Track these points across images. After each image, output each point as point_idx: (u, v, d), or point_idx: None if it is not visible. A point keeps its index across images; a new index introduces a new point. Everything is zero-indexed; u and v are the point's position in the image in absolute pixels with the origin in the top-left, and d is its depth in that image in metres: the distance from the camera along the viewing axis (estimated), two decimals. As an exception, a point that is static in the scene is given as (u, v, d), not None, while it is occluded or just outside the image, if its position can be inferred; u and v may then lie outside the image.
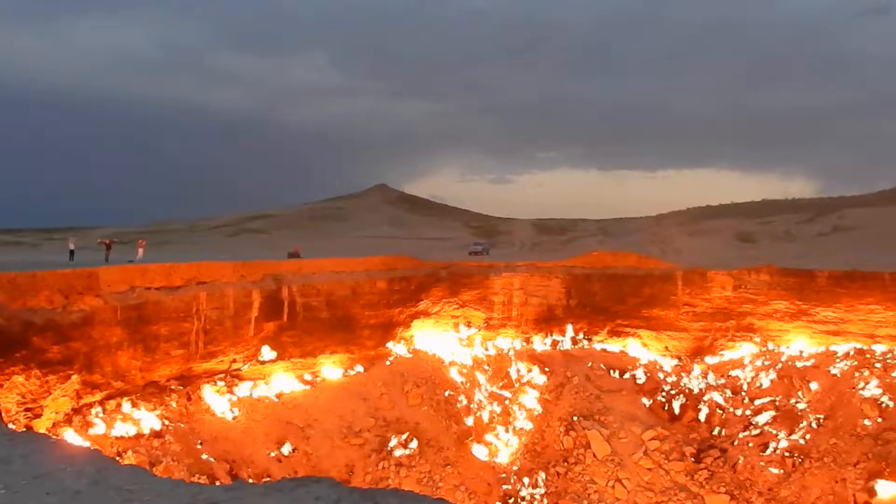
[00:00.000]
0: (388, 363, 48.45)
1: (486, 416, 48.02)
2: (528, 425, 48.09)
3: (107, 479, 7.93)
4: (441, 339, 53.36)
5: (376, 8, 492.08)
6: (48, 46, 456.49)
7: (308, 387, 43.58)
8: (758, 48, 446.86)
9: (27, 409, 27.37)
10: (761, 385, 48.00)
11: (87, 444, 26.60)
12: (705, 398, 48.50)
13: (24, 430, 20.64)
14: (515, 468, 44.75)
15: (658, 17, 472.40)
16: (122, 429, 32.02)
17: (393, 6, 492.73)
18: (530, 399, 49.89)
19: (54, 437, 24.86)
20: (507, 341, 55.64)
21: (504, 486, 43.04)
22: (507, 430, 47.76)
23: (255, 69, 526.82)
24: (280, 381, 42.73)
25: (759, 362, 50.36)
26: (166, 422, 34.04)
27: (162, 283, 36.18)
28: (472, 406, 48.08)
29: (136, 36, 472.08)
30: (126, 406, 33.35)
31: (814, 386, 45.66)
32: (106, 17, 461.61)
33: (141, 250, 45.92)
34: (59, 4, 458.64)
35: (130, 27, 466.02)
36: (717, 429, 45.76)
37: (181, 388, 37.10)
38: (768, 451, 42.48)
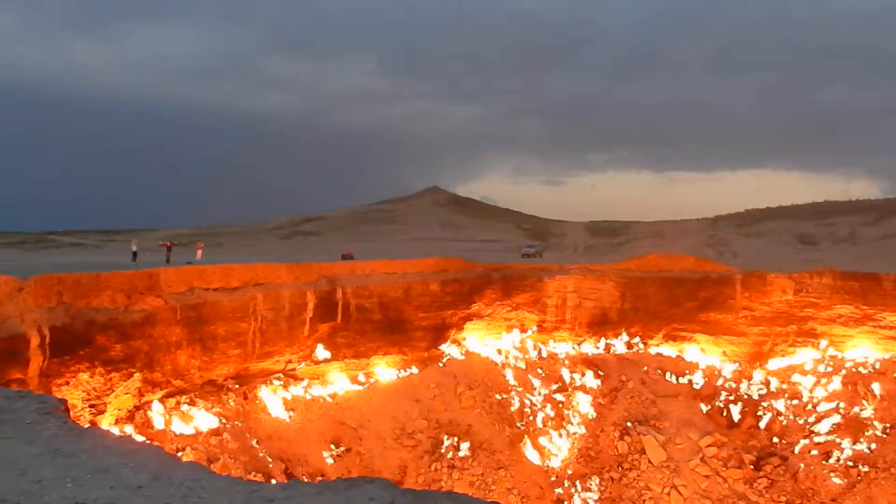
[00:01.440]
0: (440, 365, 48.50)
1: (539, 420, 47.67)
2: (582, 430, 47.58)
3: (167, 474, 8.10)
4: (494, 341, 53.17)
5: (425, 11, 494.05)
6: (104, 55, 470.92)
7: (361, 387, 43.88)
8: (814, 45, 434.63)
9: (91, 406, 28.18)
10: (824, 392, 46.61)
11: (147, 440, 27.24)
12: (765, 404, 47.32)
13: (89, 425, 21.22)
14: (569, 472, 44.33)
15: (708, 15, 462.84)
16: (181, 426, 32.71)
17: (441, 9, 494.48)
18: (584, 403, 49.38)
19: (117, 432, 25.57)
20: (561, 344, 55.16)
21: (557, 490, 42.68)
22: (560, 434, 47.34)
23: (305, 74, 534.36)
24: (334, 381, 43.12)
25: (821, 368, 48.88)
26: (223, 420, 34.66)
27: (219, 284, 36.85)
28: (524, 409, 47.78)
29: (189, 43, 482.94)
30: (185, 404, 34.07)
31: (879, 392, 44.15)
32: (160, 24, 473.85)
33: (199, 252, 46.92)
34: (114, 14, 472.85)
35: (183, 34, 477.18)
36: (778, 436, 44.58)
37: (238, 387, 37.72)
38: (831, 460, 41.22)
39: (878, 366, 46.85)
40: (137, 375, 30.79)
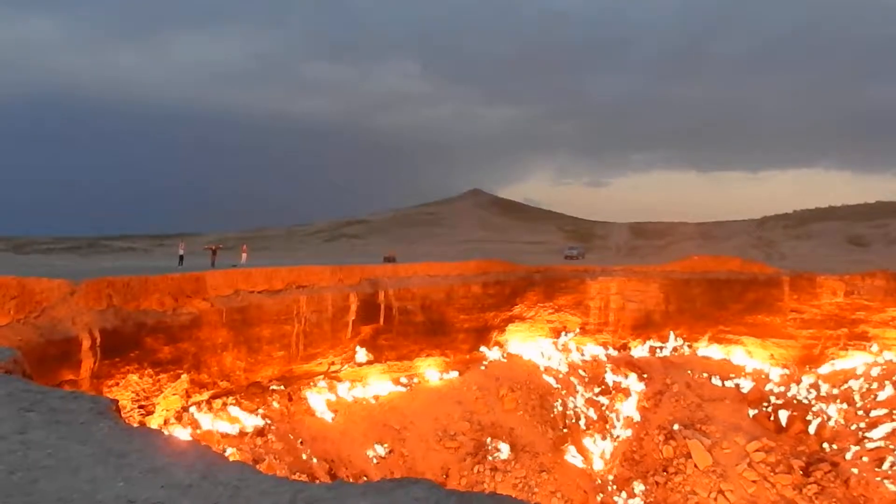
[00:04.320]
0: (482, 367, 48.47)
1: (582, 423, 47.35)
2: (626, 433, 47.11)
3: (215, 474, 8.29)
4: (536, 343, 52.96)
5: (465, 13, 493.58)
6: (148, 62, 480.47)
7: (404, 389, 44.08)
8: (864, 40, 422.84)
9: (140, 406, 28.79)
10: (877, 397, 45.40)
11: (194, 441, 27.71)
12: (815, 409, 46.29)
13: (139, 426, 21.77)
14: (612, 476, 43.92)
15: (752, 11, 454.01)
16: (227, 427, 33.23)
17: (480, 10, 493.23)
18: (628, 406, 48.88)
19: (166, 432, 26.06)
20: (604, 347, 54.72)
21: (600, 495, 42.29)
22: (603, 438, 46.93)
23: (347, 78, 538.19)
24: (377, 383, 43.38)
25: (874, 372, 47.65)
26: (268, 421, 35.11)
27: (264, 286, 37.37)
28: (567, 412, 47.49)
29: (232, 49, 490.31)
30: (231, 405, 34.61)
31: (936, 398, 42.90)
32: (201, 31, 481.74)
33: (245, 255, 47.58)
34: (159, 22, 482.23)
35: (226, 41, 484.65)
36: (828, 442, 43.55)
37: (282, 388, 38.19)
38: (884, 467, 40.13)
39: (933, 370, 45.53)
40: (185, 377, 31.38)
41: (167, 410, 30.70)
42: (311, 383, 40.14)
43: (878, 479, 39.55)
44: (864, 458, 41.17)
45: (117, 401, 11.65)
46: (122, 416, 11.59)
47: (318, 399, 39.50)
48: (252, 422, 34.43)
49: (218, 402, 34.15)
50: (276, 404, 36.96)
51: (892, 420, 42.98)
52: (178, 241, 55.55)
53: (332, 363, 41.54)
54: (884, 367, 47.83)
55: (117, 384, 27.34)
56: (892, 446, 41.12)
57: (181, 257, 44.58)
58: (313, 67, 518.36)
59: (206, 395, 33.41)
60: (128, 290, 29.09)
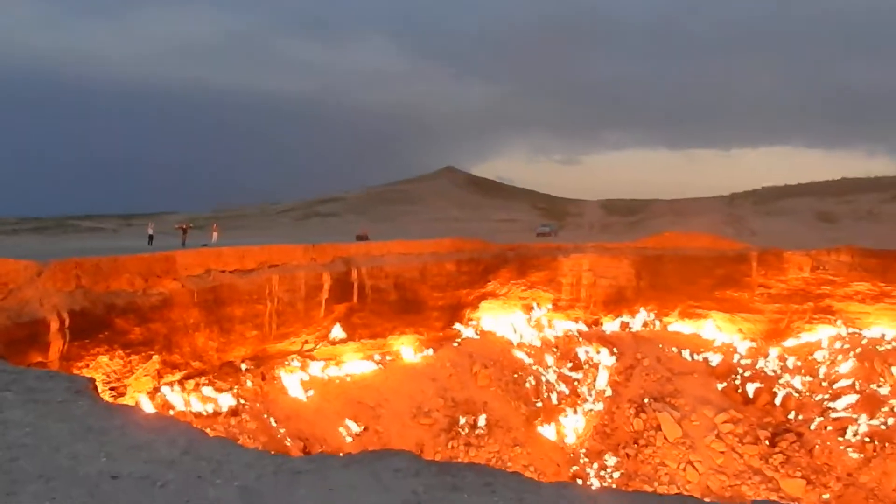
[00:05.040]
0: (456, 344, 48.76)
1: (554, 398, 47.92)
2: (598, 407, 47.80)
3: (197, 449, 8.43)
4: (509, 320, 53.34)
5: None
6: (116, 37, 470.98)
7: (378, 367, 44.21)
8: (837, 20, 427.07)
9: (112, 388, 28.58)
10: (840, 369, 46.47)
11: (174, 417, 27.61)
12: (781, 381, 47.28)
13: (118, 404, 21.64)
14: (584, 450, 44.59)
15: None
16: (201, 407, 33.13)
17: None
18: (599, 381, 49.56)
19: (147, 409, 25.95)
20: (576, 323, 55.28)
21: (573, 468, 42.94)
22: (575, 412, 47.57)
23: (319, 54, 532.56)
24: (351, 361, 43.46)
25: (838, 345, 48.70)
26: (242, 401, 35.05)
27: (236, 266, 37.12)
28: (540, 387, 48.02)
29: (202, 24, 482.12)
30: (204, 386, 34.47)
31: (897, 369, 44.00)
32: (170, 6, 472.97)
33: (215, 234, 47.26)
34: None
35: (194, 16, 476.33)
36: (794, 413, 44.56)
37: (255, 368, 38.11)
38: (847, 436, 41.20)
39: (895, 343, 46.59)
40: (156, 358, 31.16)
41: (139, 392, 30.50)
42: (285, 362, 40.10)
43: (842, 447, 40.60)
44: (828, 428, 42.20)
45: (94, 379, 11.65)
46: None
47: (291, 378, 39.48)
48: (225, 401, 34.33)
49: (190, 383, 33.97)
50: (249, 384, 36.89)
51: (855, 391, 44.04)
52: (148, 220, 54.89)
53: (306, 342, 41.51)
54: (847, 339, 48.90)
55: (87, 366, 27.09)
56: (854, 416, 42.20)
57: (151, 237, 44.12)
58: (285, 44, 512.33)
59: (178, 376, 33.22)
60: (97, 271, 28.74)
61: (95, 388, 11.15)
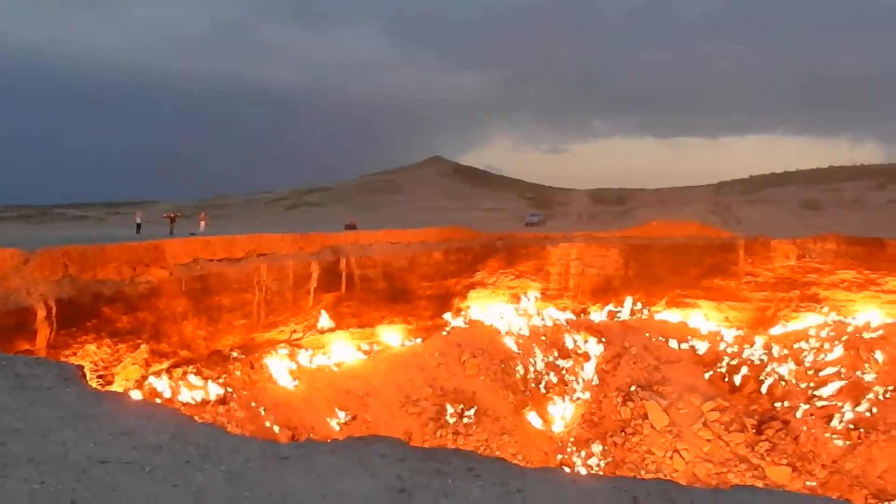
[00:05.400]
0: (444, 333, 48.82)
1: (542, 387, 48.10)
2: (585, 395, 48.03)
3: (185, 435, 8.52)
4: (497, 309, 53.45)
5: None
6: (102, 24, 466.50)
7: (366, 356, 44.25)
8: (823, 8, 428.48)
9: (99, 377, 28.47)
10: (826, 356, 46.88)
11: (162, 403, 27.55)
12: (767, 369, 47.64)
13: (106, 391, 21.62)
14: (572, 438, 44.82)
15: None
16: (189, 395, 33.06)
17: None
18: (587, 369, 49.79)
19: (134, 396, 25.90)
20: (564, 312, 55.45)
21: (560, 456, 43.17)
22: (563, 400, 47.79)
23: (307, 42, 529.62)
24: (339, 350, 43.46)
25: (824, 333, 49.13)
26: (230, 389, 35.01)
27: (224, 255, 37.00)
28: (528, 376, 48.19)
29: (188, 12, 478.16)
30: (192, 374, 34.40)
31: (881, 357, 44.41)
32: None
33: (203, 223, 47.04)
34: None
35: (181, 2, 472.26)
36: (779, 401, 44.94)
37: (244, 357, 38.05)
38: (833, 423, 41.62)
39: (881, 331, 47.03)
40: (144, 346, 31.06)
41: (127, 380, 30.39)
42: (273, 351, 40.05)
43: (827, 434, 41.02)
44: (814, 416, 42.61)
45: (83, 367, 11.67)
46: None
47: (280, 367, 39.46)
48: (213, 390, 34.28)
49: (178, 372, 33.90)
50: (237, 373, 36.83)
51: (841, 378, 44.47)
52: (135, 209, 54.57)
53: (294, 331, 41.47)
54: (833, 327, 49.34)
55: (75, 354, 26.97)
56: (839, 404, 42.61)
57: (138, 226, 43.90)
58: (273, 31, 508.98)
59: (165, 365, 33.13)
60: (84, 260, 28.59)
61: (84, 375, 11.20)
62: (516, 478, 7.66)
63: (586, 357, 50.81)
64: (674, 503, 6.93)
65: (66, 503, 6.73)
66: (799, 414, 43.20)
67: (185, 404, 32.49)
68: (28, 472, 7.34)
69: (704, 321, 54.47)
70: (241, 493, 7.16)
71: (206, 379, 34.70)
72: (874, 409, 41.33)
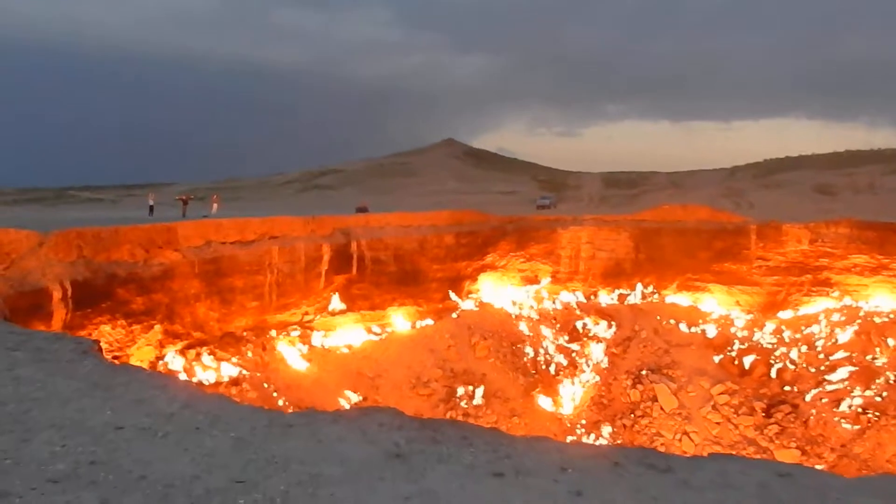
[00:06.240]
0: (455, 316, 49.08)
1: (552, 369, 48.33)
2: (595, 378, 48.22)
3: (196, 404, 9.10)
4: (508, 292, 53.62)
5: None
6: (110, 5, 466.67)
7: (377, 338, 44.56)
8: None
9: (114, 357, 28.87)
10: (837, 341, 46.82)
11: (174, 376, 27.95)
12: (777, 353, 47.65)
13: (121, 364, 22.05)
14: (582, 420, 45.08)
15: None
16: (202, 376, 33.50)
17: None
18: (597, 352, 49.94)
19: (148, 369, 26.38)
20: (575, 295, 55.55)
21: (569, 437, 43.45)
22: (573, 383, 48.00)
23: (317, 24, 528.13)
24: (350, 332, 43.79)
25: (835, 318, 49.01)
26: (243, 370, 35.44)
27: (236, 237, 37.32)
28: (538, 359, 48.41)
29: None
30: (205, 355, 34.83)
31: (893, 342, 44.33)
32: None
33: (215, 205, 47.40)
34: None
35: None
36: (789, 385, 44.98)
37: (256, 338, 38.44)
38: (842, 408, 41.64)
39: (892, 315, 46.90)
40: (158, 327, 31.49)
41: (141, 361, 30.80)
42: (285, 333, 40.43)
43: (836, 419, 41.08)
44: (823, 400, 42.64)
45: (99, 341, 12.12)
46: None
47: (291, 349, 39.85)
48: (227, 371, 34.72)
49: (192, 353, 34.33)
50: (250, 354, 37.24)
51: (851, 363, 44.43)
52: (148, 191, 55.01)
53: (306, 313, 41.82)
54: (844, 312, 49.21)
55: (90, 335, 27.32)
56: (849, 388, 42.62)
57: (151, 208, 44.34)
58: (282, 13, 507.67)
59: (179, 346, 33.56)
60: (98, 242, 28.94)
61: (100, 349, 11.73)
62: (506, 445, 8.08)
63: (596, 340, 50.95)
64: (652, 468, 7.29)
65: (86, 464, 7.16)
66: (808, 398, 43.24)
67: (198, 384, 32.94)
68: (50, 436, 7.83)
69: (715, 305, 54.41)
70: (248, 456, 7.58)
71: (219, 360, 35.14)
72: (884, 394, 41.31)
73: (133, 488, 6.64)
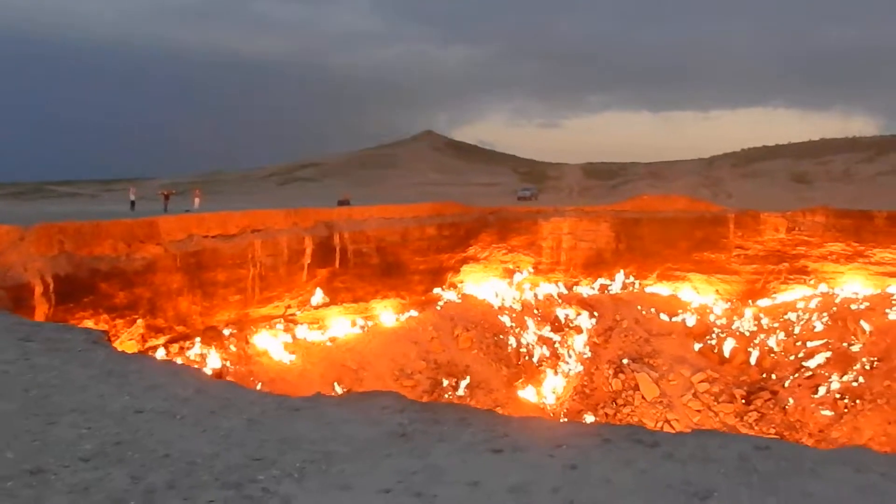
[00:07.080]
0: (438, 308, 49.26)
1: (535, 360, 48.70)
2: (577, 368, 48.68)
3: (207, 390, 9.83)
4: (490, 283, 53.87)
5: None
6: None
7: (360, 331, 44.64)
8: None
9: (98, 351, 28.81)
10: (814, 328, 47.60)
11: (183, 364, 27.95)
12: (756, 341, 48.35)
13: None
14: (564, 410, 45.53)
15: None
16: (186, 370, 33.40)
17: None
18: (579, 342, 50.39)
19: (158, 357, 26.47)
20: (556, 285, 55.92)
21: (553, 427, 43.84)
22: (555, 373, 48.43)
23: (298, 15, 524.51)
24: (333, 325, 43.83)
25: (812, 305, 49.83)
26: (226, 364, 35.42)
27: (218, 231, 37.17)
28: (521, 349, 48.76)
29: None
30: (188, 349, 34.75)
31: (868, 328, 45.12)
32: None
33: (197, 200, 47.14)
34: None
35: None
36: (768, 372, 45.70)
37: (239, 332, 38.39)
38: (820, 394, 42.39)
39: (868, 302, 47.72)
40: (140, 322, 31.36)
41: (124, 355, 30.73)
42: (269, 326, 40.41)
43: (813, 405, 41.82)
44: (801, 386, 43.39)
45: (108, 332, 12.58)
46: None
47: (275, 342, 39.85)
48: (210, 364, 34.67)
49: (175, 347, 34.25)
50: (233, 347, 37.22)
51: (828, 349, 45.22)
52: (129, 186, 54.61)
53: (289, 306, 41.80)
54: (821, 299, 50.03)
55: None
56: (826, 374, 43.37)
57: (132, 202, 44.03)
58: (263, 4, 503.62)
59: (162, 340, 33.47)
60: (79, 236, 28.75)
61: (110, 339, 12.28)
62: (502, 425, 8.56)
63: (578, 330, 51.40)
64: (640, 443, 7.72)
65: (112, 444, 7.62)
66: (787, 384, 43.97)
67: (181, 378, 32.89)
68: (74, 419, 8.31)
69: (695, 294, 55.07)
70: (262, 436, 8.07)
71: (202, 354, 35.08)
72: (861, 379, 42.09)
73: (159, 465, 7.11)
